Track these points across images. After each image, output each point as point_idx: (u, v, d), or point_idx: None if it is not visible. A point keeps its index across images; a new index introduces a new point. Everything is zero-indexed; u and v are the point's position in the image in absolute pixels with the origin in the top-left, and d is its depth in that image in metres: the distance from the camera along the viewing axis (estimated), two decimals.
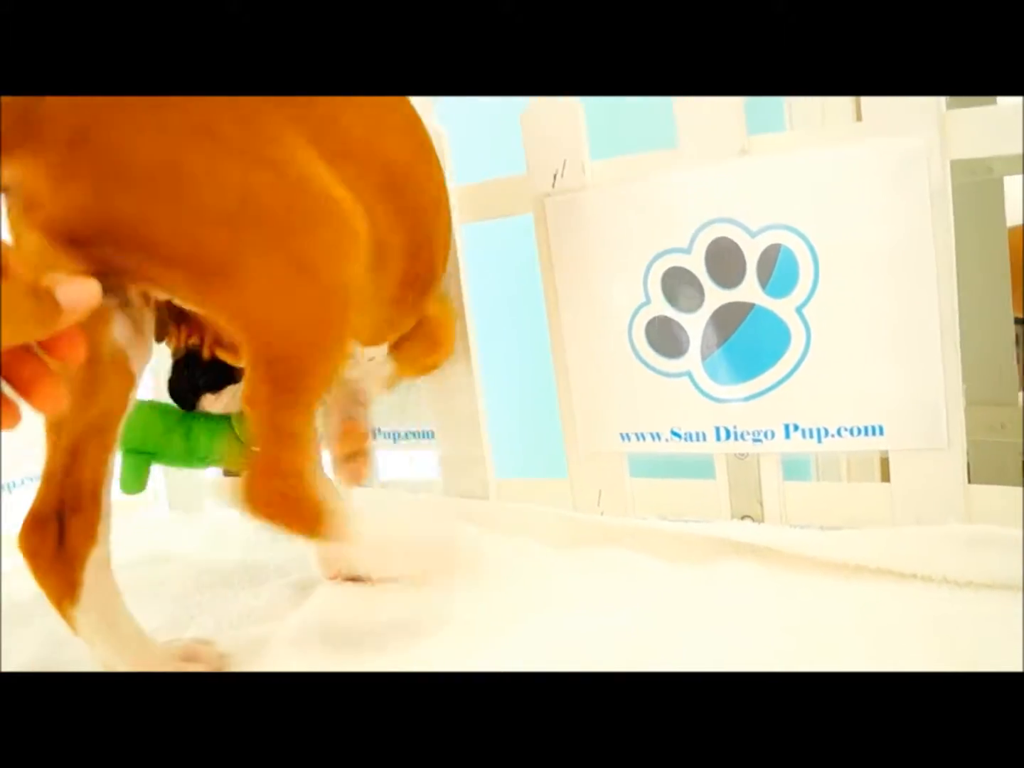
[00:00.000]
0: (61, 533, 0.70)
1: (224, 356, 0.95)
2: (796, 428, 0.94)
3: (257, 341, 0.66)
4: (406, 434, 1.19)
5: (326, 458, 0.97)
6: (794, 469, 1.03)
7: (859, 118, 0.89)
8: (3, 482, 1.19)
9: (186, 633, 0.88)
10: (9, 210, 0.64)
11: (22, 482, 1.22)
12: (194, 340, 0.94)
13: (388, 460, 1.23)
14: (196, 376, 0.99)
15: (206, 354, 0.95)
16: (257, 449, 0.66)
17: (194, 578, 1.07)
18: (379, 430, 1.20)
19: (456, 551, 0.99)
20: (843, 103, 1.90)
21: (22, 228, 0.63)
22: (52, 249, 0.61)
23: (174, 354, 0.95)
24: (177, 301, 0.68)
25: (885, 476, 0.97)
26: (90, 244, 0.62)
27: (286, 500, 0.67)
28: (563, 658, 0.74)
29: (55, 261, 0.61)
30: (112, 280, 0.64)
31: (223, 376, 0.99)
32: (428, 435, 1.16)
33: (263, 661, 0.79)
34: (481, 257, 1.16)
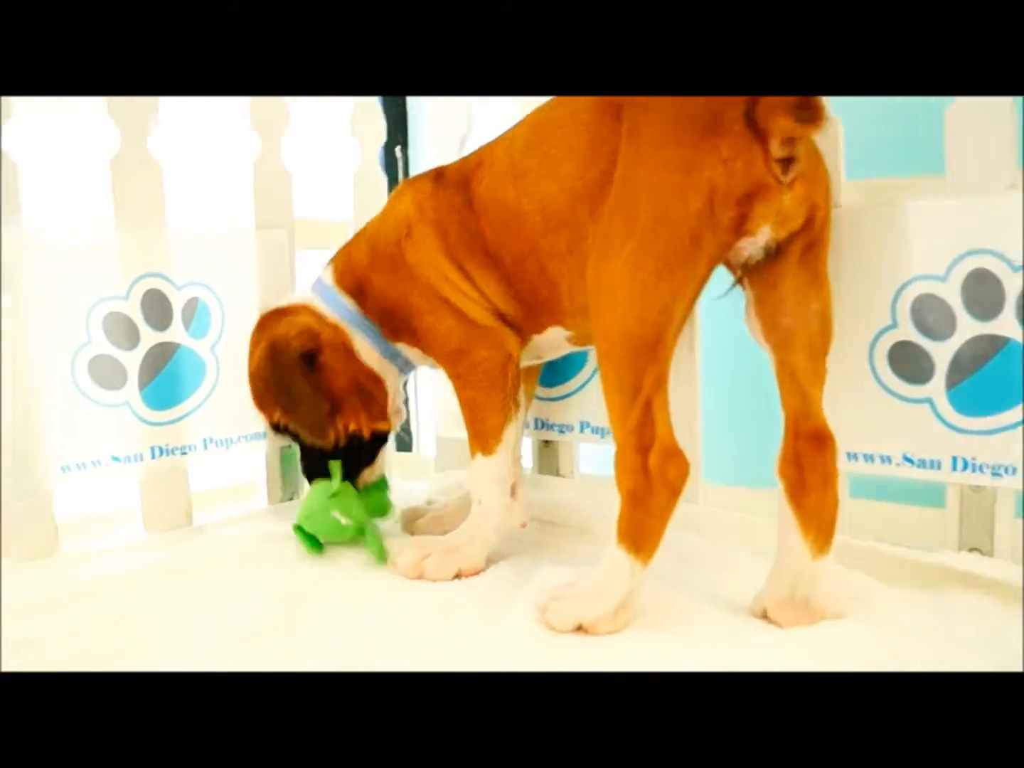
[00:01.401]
0: None
1: (382, 427, 1.17)
2: None
3: None
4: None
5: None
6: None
7: None
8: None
9: None
10: None
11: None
12: (353, 426, 1.14)
13: (591, 454, 1.29)
14: (361, 456, 1.17)
15: (366, 434, 1.15)
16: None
17: None
18: (587, 424, 1.26)
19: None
20: None
21: None
22: None
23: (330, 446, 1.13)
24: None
25: None
26: None
27: None
28: (773, 662, 0.80)
29: None
30: None
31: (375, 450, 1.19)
32: None
33: None
34: None
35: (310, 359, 1.10)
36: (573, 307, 1.02)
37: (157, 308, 1.20)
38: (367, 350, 1.14)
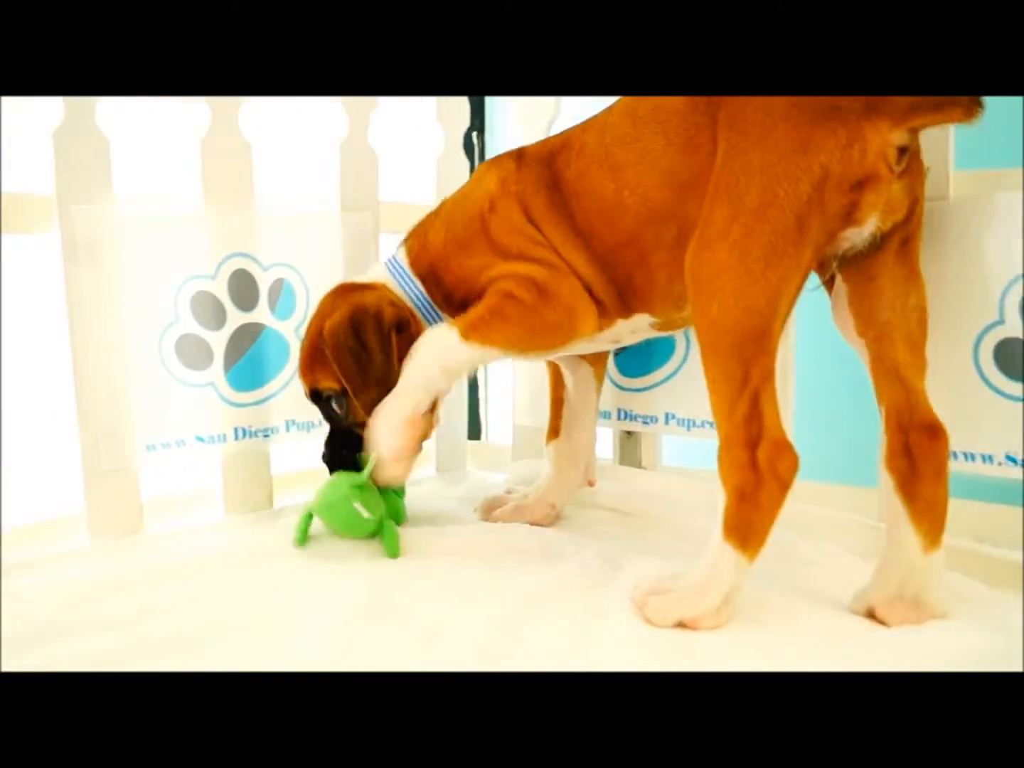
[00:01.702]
0: None
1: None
2: None
3: None
4: (701, 423, 1.23)
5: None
6: None
7: None
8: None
9: None
10: None
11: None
12: None
13: (675, 446, 1.28)
14: None
15: None
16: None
17: None
18: (672, 415, 1.25)
19: None
20: None
21: None
22: None
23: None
24: None
25: None
26: None
27: None
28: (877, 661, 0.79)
29: None
30: None
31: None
32: None
33: None
34: None
35: (399, 330, 1.08)
36: (670, 296, 1.01)
37: (244, 288, 1.21)
38: None
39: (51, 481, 1.19)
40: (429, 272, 1.11)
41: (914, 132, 0.83)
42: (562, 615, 0.90)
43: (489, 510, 1.22)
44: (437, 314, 1.11)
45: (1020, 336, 0.99)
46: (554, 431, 1.23)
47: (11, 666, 0.78)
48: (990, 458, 1.03)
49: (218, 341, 1.18)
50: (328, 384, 1.10)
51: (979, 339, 1.02)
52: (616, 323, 1.07)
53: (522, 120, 1.39)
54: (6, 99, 1.06)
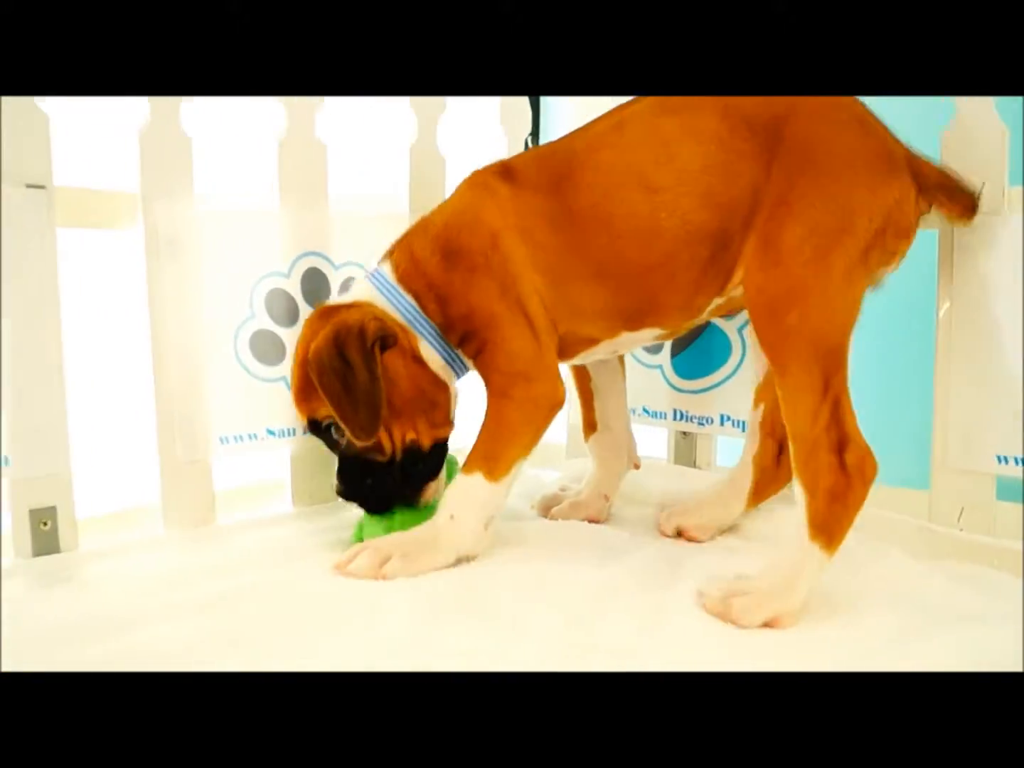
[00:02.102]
0: None
1: (444, 434, 1.10)
2: None
3: None
4: None
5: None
6: None
7: None
8: None
9: None
10: None
11: None
12: (411, 435, 1.08)
13: (729, 447, 1.33)
14: (422, 468, 1.09)
15: (427, 443, 1.08)
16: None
17: None
18: (727, 417, 1.29)
19: None
20: None
21: None
22: None
23: (385, 456, 1.07)
24: None
25: None
26: None
27: None
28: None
29: None
30: None
31: (439, 462, 1.11)
32: None
33: None
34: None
35: (383, 347, 1.05)
36: (690, 309, 1.07)
37: (316, 286, 1.25)
38: (431, 354, 1.08)
39: (128, 472, 1.22)
40: (426, 291, 1.08)
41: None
42: (632, 610, 0.94)
43: (546, 508, 1.26)
44: (432, 327, 1.08)
45: None
46: (590, 425, 1.26)
47: (89, 653, 0.81)
48: None
49: (290, 337, 1.22)
50: (326, 412, 1.05)
51: None
52: (621, 335, 1.10)
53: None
54: (93, 100, 1.10)
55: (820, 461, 0.90)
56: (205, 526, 1.18)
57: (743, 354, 1.28)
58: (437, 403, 1.09)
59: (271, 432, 1.22)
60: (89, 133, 1.13)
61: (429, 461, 1.10)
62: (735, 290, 1.05)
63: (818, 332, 0.92)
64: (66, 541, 1.07)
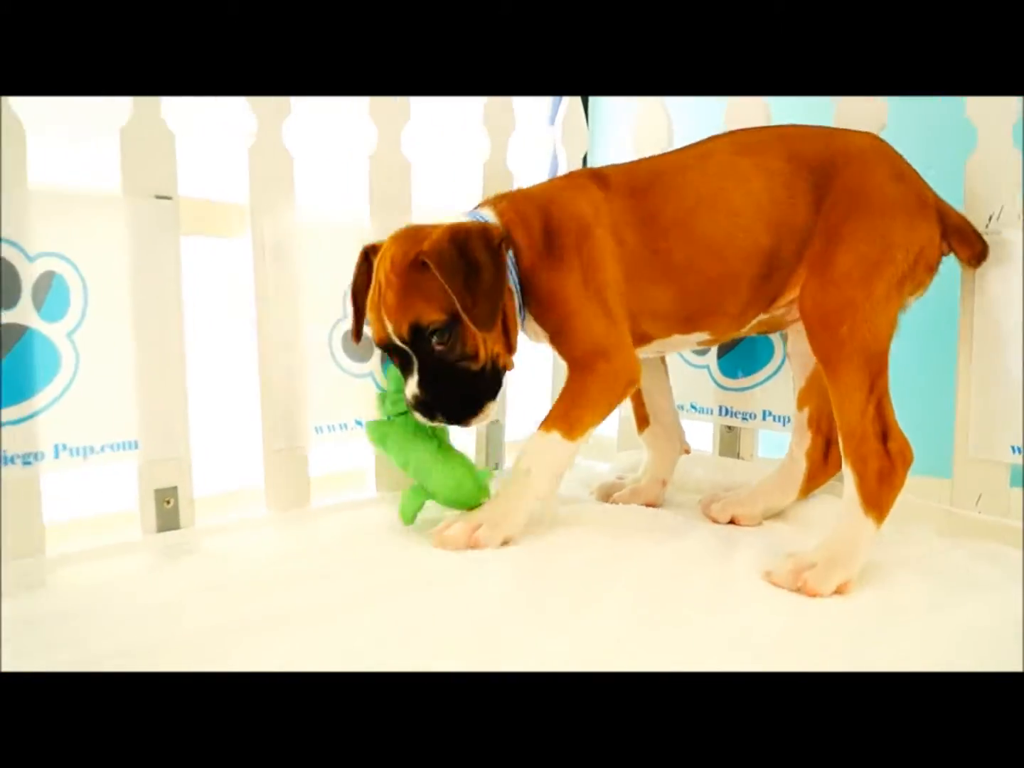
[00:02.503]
0: None
1: (510, 361, 1.21)
2: None
3: None
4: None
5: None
6: None
7: None
8: None
9: None
10: None
11: None
12: (497, 349, 1.19)
13: (770, 440, 1.47)
14: (492, 386, 1.18)
15: (504, 363, 1.20)
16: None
17: None
18: (769, 412, 1.44)
19: None
20: None
21: None
22: None
23: (478, 364, 1.16)
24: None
25: None
26: None
27: None
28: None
29: None
30: None
31: (500, 386, 1.21)
32: None
33: None
34: None
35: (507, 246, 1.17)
36: (740, 321, 1.24)
37: None
38: (515, 297, 1.21)
39: (233, 458, 1.34)
40: (524, 248, 1.19)
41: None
42: (699, 583, 1.06)
43: (606, 494, 1.40)
44: (517, 278, 1.20)
45: None
46: (643, 420, 1.41)
47: (215, 620, 0.91)
48: None
49: None
50: (432, 316, 1.12)
51: None
52: (672, 337, 1.26)
53: (638, 148, 1.59)
54: (209, 117, 1.22)
55: (869, 448, 1.07)
56: (300, 508, 1.30)
57: (783, 356, 1.43)
58: (513, 331, 1.20)
59: (359, 423, 1.35)
60: (205, 147, 1.24)
61: (497, 381, 1.20)
62: (778, 310, 1.23)
63: (865, 341, 1.09)
64: (185, 518, 1.19)
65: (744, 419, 1.48)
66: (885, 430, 1.10)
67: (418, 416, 1.16)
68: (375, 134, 1.34)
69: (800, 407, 1.30)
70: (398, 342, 1.15)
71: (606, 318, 1.18)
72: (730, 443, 1.51)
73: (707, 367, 1.51)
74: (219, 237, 1.26)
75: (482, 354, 1.16)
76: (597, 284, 1.18)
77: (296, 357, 1.28)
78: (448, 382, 1.15)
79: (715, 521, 1.31)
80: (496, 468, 1.56)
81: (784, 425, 1.43)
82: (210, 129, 1.24)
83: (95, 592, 1.00)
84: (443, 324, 1.13)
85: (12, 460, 1.04)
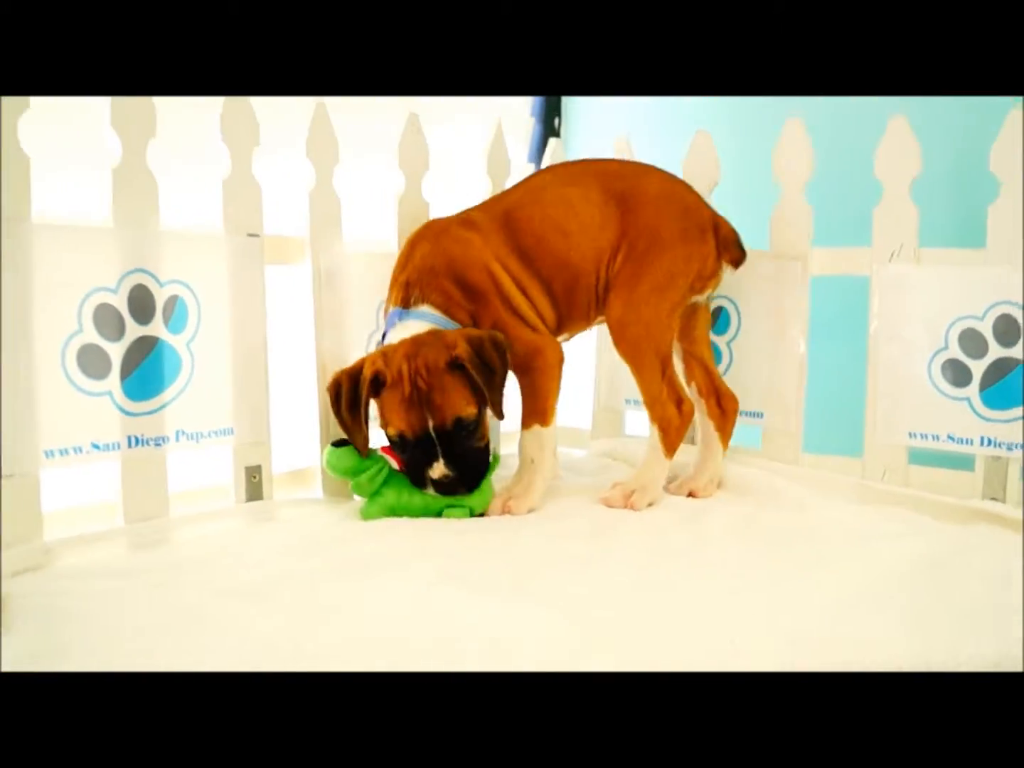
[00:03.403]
0: None
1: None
2: None
3: None
4: (740, 412, 1.79)
5: None
6: None
7: None
8: None
9: None
10: None
11: None
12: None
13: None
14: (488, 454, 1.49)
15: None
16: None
17: None
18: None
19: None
20: None
21: None
22: None
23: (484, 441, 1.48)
24: None
25: None
26: None
27: None
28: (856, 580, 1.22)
29: None
30: None
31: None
32: (758, 415, 1.78)
33: None
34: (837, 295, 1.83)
35: None
36: (587, 315, 1.67)
37: None
38: None
39: (300, 442, 1.65)
40: (466, 318, 1.52)
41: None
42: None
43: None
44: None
45: (957, 357, 1.60)
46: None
47: (303, 566, 1.21)
48: (937, 437, 1.62)
49: None
50: (470, 410, 1.42)
51: (931, 361, 1.62)
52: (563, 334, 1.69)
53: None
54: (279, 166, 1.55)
55: (668, 412, 1.58)
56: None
57: (731, 361, 1.81)
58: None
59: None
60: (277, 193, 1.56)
61: (489, 450, 1.51)
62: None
63: (654, 344, 1.57)
64: (267, 491, 1.52)
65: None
66: (679, 399, 1.61)
67: (434, 491, 1.43)
68: (403, 182, 1.70)
69: (689, 383, 1.73)
70: (433, 434, 1.40)
71: (528, 326, 1.55)
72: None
73: None
74: (283, 265, 1.58)
75: (486, 434, 1.49)
76: (511, 303, 1.54)
77: (340, 364, 1.60)
78: (467, 460, 1.44)
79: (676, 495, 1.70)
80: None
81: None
82: (280, 177, 1.56)
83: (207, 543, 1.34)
84: (476, 416, 1.44)
85: (147, 442, 1.36)
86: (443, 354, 1.40)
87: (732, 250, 1.66)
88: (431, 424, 1.40)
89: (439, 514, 1.46)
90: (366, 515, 1.45)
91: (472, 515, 1.47)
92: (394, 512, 1.45)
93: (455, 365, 1.40)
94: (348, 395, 1.40)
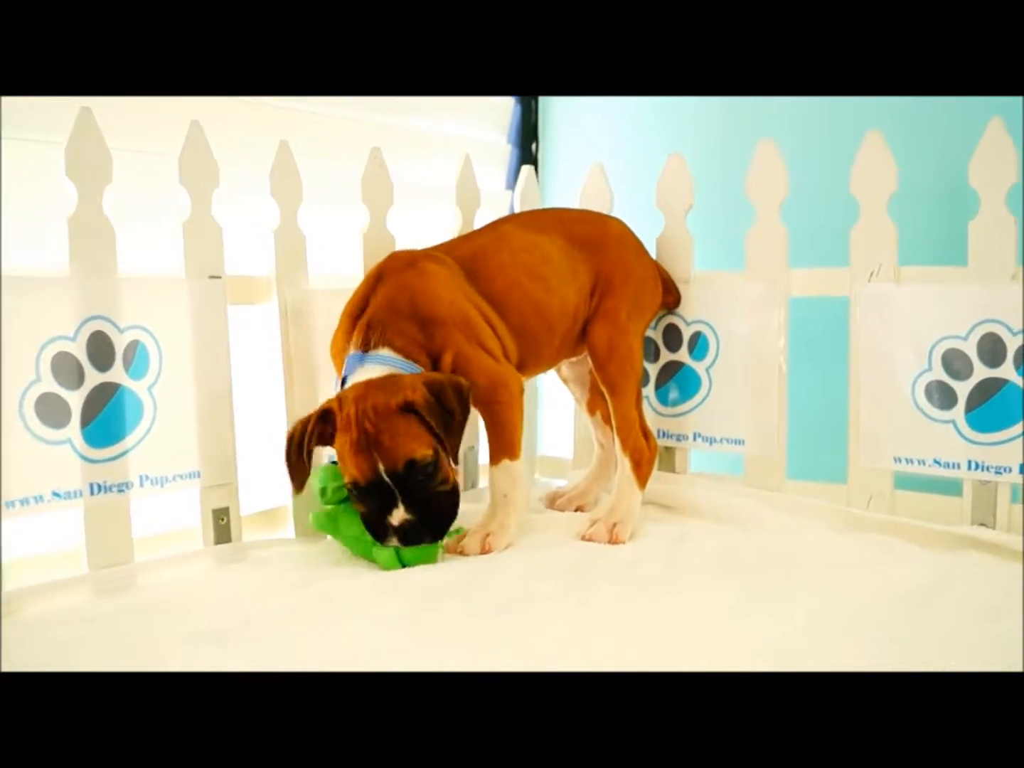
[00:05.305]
0: None
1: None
2: None
3: None
4: (720, 439, 1.82)
5: None
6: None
7: None
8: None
9: None
10: None
11: None
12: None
13: (698, 458, 1.88)
14: (457, 498, 1.47)
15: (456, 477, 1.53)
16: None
17: None
18: (698, 434, 1.85)
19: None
20: None
21: None
22: None
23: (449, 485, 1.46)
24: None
25: None
26: None
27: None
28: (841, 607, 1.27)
29: None
30: None
31: None
32: (739, 442, 1.81)
33: None
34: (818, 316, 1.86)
35: None
36: (556, 357, 1.76)
37: None
38: None
39: (268, 483, 1.70)
40: (426, 360, 1.52)
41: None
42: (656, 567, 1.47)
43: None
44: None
45: (943, 380, 1.62)
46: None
47: (273, 603, 1.23)
48: (923, 461, 1.65)
49: None
50: (423, 452, 1.39)
51: (914, 383, 1.64)
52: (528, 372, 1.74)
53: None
54: (242, 207, 1.60)
55: (640, 443, 1.68)
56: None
57: (710, 388, 1.85)
58: (454, 453, 1.51)
59: None
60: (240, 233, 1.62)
61: (457, 494, 1.49)
62: (581, 354, 1.79)
63: (634, 368, 1.71)
64: (235, 533, 1.57)
65: (679, 440, 1.89)
66: (645, 431, 1.72)
67: (397, 541, 1.40)
68: (368, 217, 1.75)
69: (592, 413, 1.88)
70: (386, 479, 1.38)
71: (490, 357, 1.58)
72: (667, 460, 1.92)
73: (647, 397, 1.91)
74: (247, 304, 1.64)
75: (450, 477, 1.45)
76: (476, 334, 1.57)
77: (315, 399, 1.65)
78: (429, 505, 1.42)
79: (562, 511, 1.84)
80: (472, 487, 1.96)
81: (711, 445, 1.84)
82: (244, 218, 1.62)
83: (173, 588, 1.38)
84: (432, 458, 1.41)
85: (110, 488, 1.41)
86: (395, 396, 1.40)
87: (673, 292, 1.87)
88: (382, 468, 1.38)
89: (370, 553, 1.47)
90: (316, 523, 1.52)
91: (403, 566, 1.44)
92: (334, 523, 1.49)
93: (408, 409, 1.40)
94: (299, 437, 1.42)
